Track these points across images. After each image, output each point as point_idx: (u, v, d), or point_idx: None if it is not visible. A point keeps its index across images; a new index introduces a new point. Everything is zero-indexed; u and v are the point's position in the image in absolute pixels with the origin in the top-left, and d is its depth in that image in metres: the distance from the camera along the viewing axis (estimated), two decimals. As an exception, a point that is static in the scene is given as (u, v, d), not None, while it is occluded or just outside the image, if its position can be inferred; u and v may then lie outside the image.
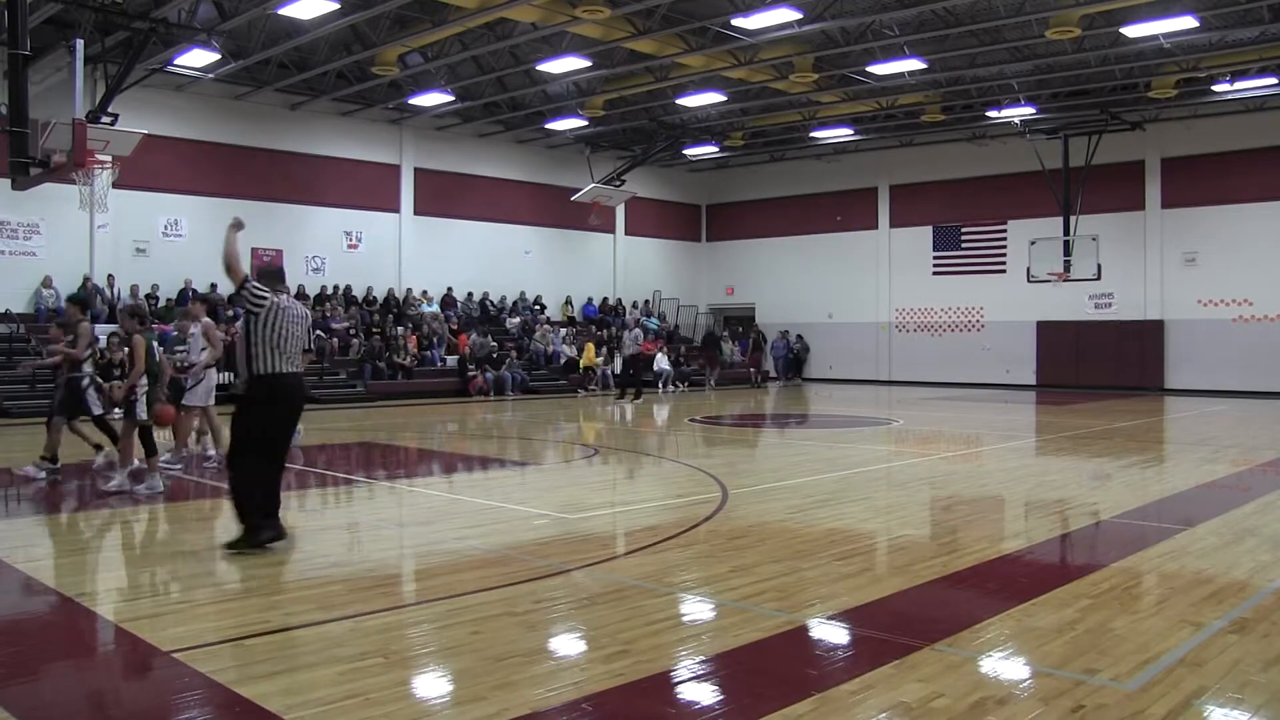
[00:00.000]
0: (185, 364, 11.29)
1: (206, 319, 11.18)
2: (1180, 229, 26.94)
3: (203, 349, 10.99)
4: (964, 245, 30.61)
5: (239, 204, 24.45)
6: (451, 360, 25.80)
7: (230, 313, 23.03)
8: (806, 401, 25.42)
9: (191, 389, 11.05)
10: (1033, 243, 26.35)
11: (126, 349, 10.18)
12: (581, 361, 27.82)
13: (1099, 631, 5.09)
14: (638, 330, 24.17)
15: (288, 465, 7.62)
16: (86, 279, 21.58)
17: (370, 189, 27.07)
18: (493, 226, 29.76)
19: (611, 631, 5.10)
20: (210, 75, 22.04)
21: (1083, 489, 10.24)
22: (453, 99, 24.65)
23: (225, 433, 9.29)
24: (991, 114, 26.06)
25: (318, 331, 23.93)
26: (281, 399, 6.98)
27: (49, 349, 11.46)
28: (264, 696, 4.13)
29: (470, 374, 24.92)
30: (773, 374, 33.26)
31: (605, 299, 32.95)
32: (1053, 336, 28.75)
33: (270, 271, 7.41)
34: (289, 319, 7.00)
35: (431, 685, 4.47)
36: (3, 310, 20.55)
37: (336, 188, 26.34)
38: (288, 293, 7.37)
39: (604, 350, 28.70)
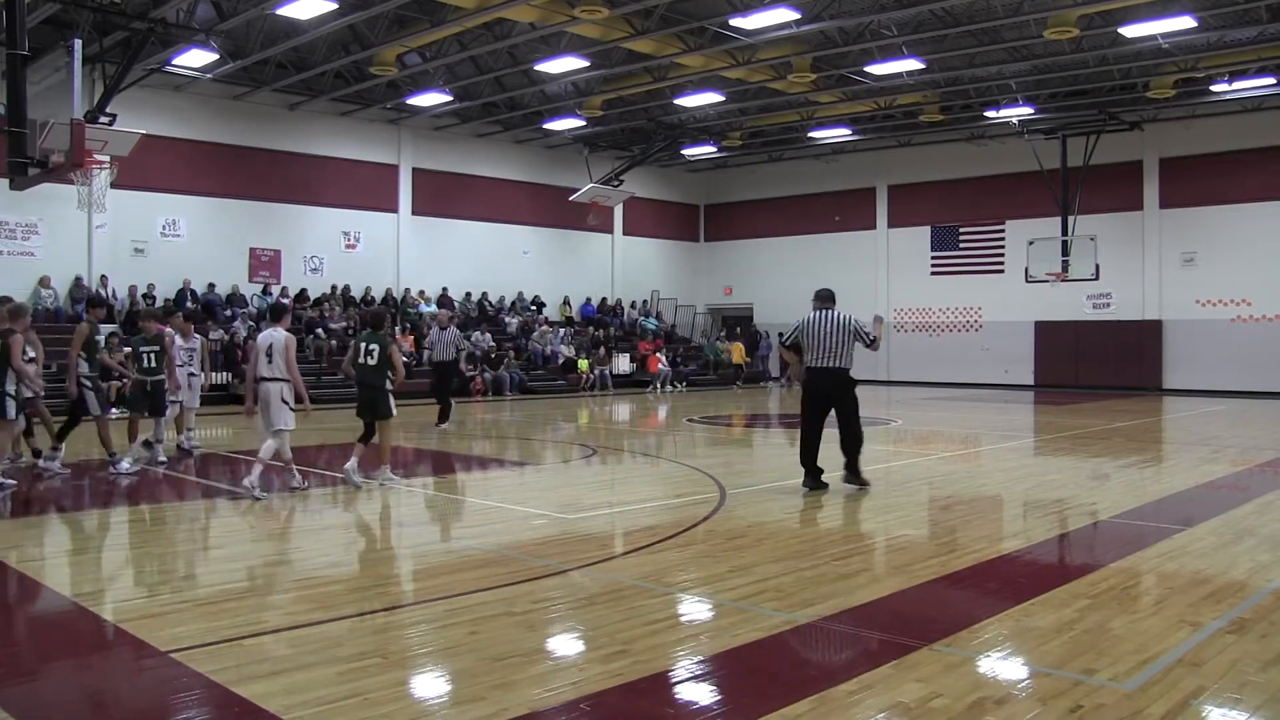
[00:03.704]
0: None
1: None
2: (1178, 229, 26.95)
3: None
4: (962, 245, 30.63)
5: (237, 204, 24.55)
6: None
7: (229, 312, 23.07)
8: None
9: None
10: (1031, 243, 26.35)
11: (126, 349, 10.33)
12: (733, 359, 31.53)
13: (1097, 632, 5.09)
14: (453, 329, 17.87)
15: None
16: (78, 279, 21.59)
17: (368, 189, 27.06)
18: (491, 226, 29.76)
19: (610, 631, 5.10)
20: (209, 75, 22.03)
21: (1081, 489, 10.24)
22: (451, 99, 24.65)
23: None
24: (990, 114, 26.07)
25: (316, 329, 23.94)
26: (809, 386, 9.83)
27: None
28: (263, 696, 4.13)
29: (470, 374, 24.90)
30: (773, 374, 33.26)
31: (604, 299, 32.95)
32: (1051, 336, 28.77)
33: (820, 293, 9.96)
34: (819, 329, 9.60)
35: (430, 685, 4.47)
36: (1, 310, 20.52)
37: (335, 188, 26.32)
38: (829, 307, 9.77)
39: (601, 352, 28.70)
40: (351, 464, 9.84)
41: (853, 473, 9.72)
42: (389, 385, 9.94)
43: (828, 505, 9.03)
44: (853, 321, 9.65)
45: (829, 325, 9.59)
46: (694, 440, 15.73)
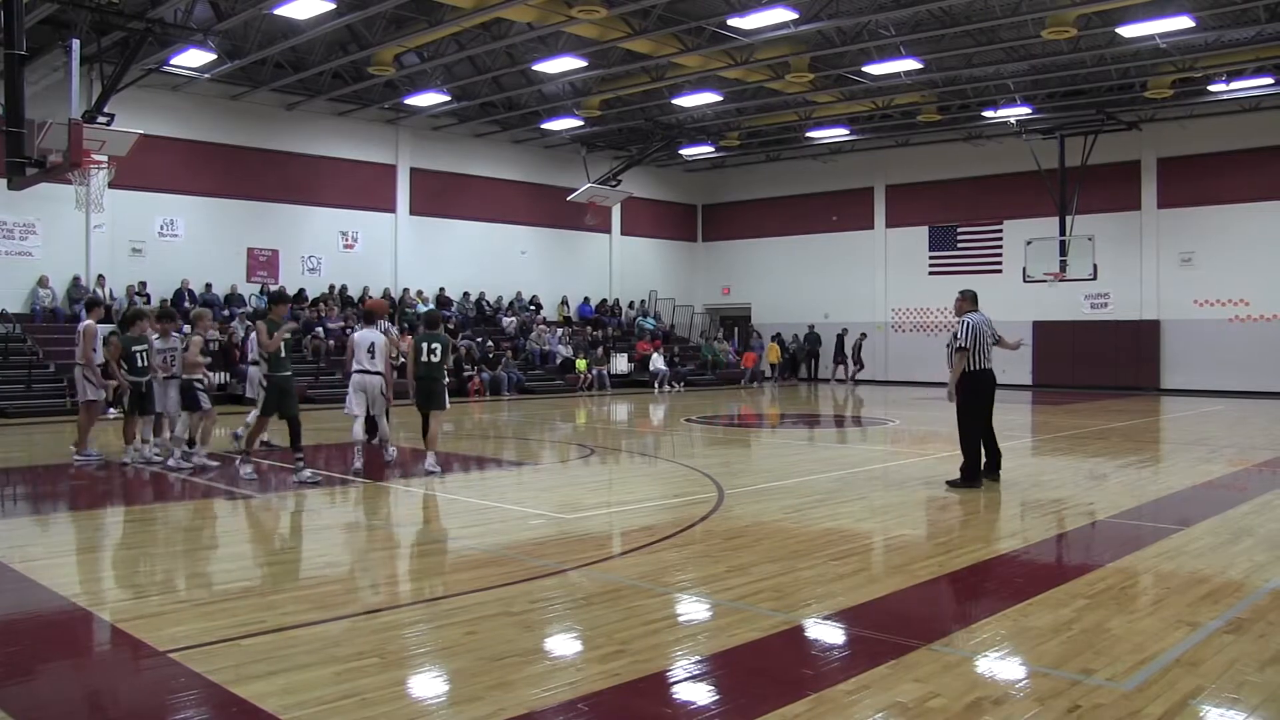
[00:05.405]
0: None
1: None
2: (1176, 229, 26.98)
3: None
4: (960, 245, 30.64)
5: (235, 204, 24.54)
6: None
7: (226, 312, 23.03)
8: (803, 401, 25.43)
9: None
10: (1029, 243, 26.36)
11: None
12: (767, 359, 32.67)
13: (1095, 631, 5.10)
14: (384, 322, 12.71)
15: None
16: (76, 279, 21.57)
17: (366, 189, 27.05)
18: (489, 226, 29.76)
19: (608, 631, 5.10)
20: (206, 75, 22.01)
21: (1079, 489, 10.25)
22: (449, 99, 24.64)
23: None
24: (988, 114, 26.09)
25: (317, 328, 23.91)
26: (984, 385, 10.00)
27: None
28: (261, 696, 4.13)
29: (467, 374, 24.90)
30: (768, 374, 33.27)
31: (602, 299, 32.96)
32: (1049, 336, 28.74)
33: (968, 294, 10.41)
34: (985, 331, 9.98)
35: (428, 685, 4.47)
36: (-1, 310, 20.53)
37: (333, 188, 26.31)
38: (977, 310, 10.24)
39: (599, 352, 28.69)
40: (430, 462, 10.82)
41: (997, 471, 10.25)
42: (446, 379, 11.03)
43: (825, 505, 9.03)
44: (993, 324, 10.28)
45: (988, 327, 10.09)
46: (691, 440, 15.72)
